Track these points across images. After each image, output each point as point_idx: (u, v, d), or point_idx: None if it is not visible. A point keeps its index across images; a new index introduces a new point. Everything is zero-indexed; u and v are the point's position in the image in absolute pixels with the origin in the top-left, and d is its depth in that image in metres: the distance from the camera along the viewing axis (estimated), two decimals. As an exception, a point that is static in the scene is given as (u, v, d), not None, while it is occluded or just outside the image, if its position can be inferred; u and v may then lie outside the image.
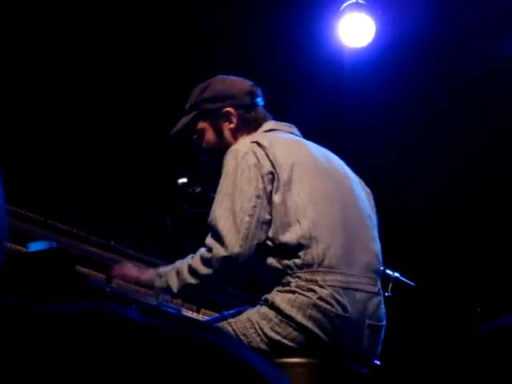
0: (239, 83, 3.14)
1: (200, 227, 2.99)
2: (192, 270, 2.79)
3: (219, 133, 3.07)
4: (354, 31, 4.96)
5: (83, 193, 4.18)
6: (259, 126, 3.08)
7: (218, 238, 2.73)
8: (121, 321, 0.67)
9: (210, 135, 3.09)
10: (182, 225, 4.04)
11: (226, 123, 3.07)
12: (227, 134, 3.06)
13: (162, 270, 2.94)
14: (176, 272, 2.84)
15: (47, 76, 4.78)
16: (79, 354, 0.65)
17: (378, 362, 3.12)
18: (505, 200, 5.28)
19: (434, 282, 5.10)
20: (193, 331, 0.67)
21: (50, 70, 4.78)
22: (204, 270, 2.75)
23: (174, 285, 2.83)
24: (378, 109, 5.24)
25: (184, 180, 3.46)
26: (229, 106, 3.06)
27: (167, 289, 2.87)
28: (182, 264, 2.84)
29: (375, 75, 5.14)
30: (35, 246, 3.05)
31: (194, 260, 2.80)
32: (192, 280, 2.79)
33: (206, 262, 2.75)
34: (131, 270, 3.08)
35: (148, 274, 2.98)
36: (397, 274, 3.56)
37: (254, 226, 2.73)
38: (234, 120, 3.06)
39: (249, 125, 3.07)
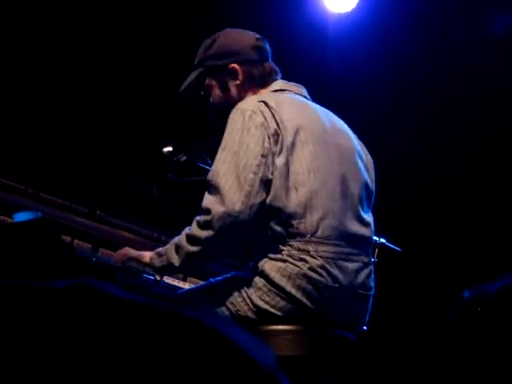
0: (245, 38, 3.08)
1: (186, 196, 2.98)
2: (191, 238, 2.73)
3: (225, 89, 3.02)
4: (338, -4, 4.94)
5: (68, 162, 4.16)
6: (266, 81, 3.02)
7: (219, 196, 2.67)
8: (105, 297, 0.67)
9: (216, 92, 3.04)
10: (167, 194, 4.03)
11: (232, 80, 3.01)
12: (233, 91, 3.01)
13: (160, 249, 2.88)
14: (175, 246, 2.78)
15: (37, 49, 4.75)
16: (64, 330, 0.65)
17: (365, 328, 3.14)
18: (492, 168, 5.29)
19: (421, 246, 5.13)
20: (176, 308, 0.67)
21: (34, 37, 4.74)
22: (204, 233, 2.69)
23: (175, 260, 2.77)
24: (363, 75, 5.22)
25: (169, 148, 3.45)
26: (234, 62, 3.00)
27: (169, 266, 2.81)
28: (180, 237, 2.79)
29: (359, 41, 5.12)
30: (20, 217, 3.04)
31: (192, 228, 2.74)
32: (193, 248, 2.73)
33: (204, 224, 2.69)
34: (130, 251, 3.05)
35: (147, 255, 2.92)
36: (383, 240, 3.57)
37: (257, 184, 2.68)
38: (240, 76, 3.00)
39: (255, 81, 3.01)
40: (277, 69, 3.09)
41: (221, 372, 0.65)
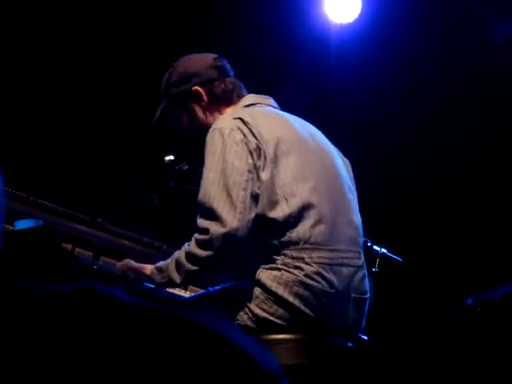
0: (201, 59, 3.09)
1: (187, 204, 2.98)
2: (191, 257, 2.73)
3: (193, 114, 3.02)
4: (340, 7, 4.95)
5: (70, 170, 4.17)
6: (231, 97, 3.03)
7: (214, 217, 2.68)
8: (108, 301, 0.68)
9: (185, 118, 3.05)
10: (169, 202, 4.03)
11: (197, 102, 3.02)
12: (201, 113, 3.02)
13: (162, 264, 2.87)
14: (175, 263, 2.78)
15: (36, 55, 4.75)
16: (67, 333, 0.65)
17: (366, 337, 3.14)
18: (492, 175, 5.29)
19: (422, 257, 5.12)
20: (179, 312, 0.68)
21: (34, 43, 4.75)
22: (203, 253, 2.69)
23: (176, 277, 2.77)
24: (365, 84, 5.23)
25: (171, 157, 3.45)
26: (195, 85, 3.01)
27: (170, 282, 2.83)
28: (180, 254, 2.78)
29: (361, 51, 5.12)
30: (22, 224, 3.04)
31: (191, 246, 2.73)
32: (193, 267, 2.73)
33: (203, 244, 2.69)
34: (132, 263, 3.05)
35: (148, 269, 2.92)
36: (384, 250, 3.57)
37: (249, 200, 2.69)
38: (204, 97, 3.01)
39: (220, 99, 3.02)
40: (240, 83, 3.10)
41: (225, 376, 0.65)
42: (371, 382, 4.78)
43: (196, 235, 2.73)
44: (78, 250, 3.27)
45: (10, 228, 3.07)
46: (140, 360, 0.64)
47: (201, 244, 2.70)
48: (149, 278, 2.91)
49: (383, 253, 3.56)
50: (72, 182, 3.96)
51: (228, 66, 3.11)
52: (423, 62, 5.22)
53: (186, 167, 3.35)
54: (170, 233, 3.70)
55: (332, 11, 4.97)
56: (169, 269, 2.81)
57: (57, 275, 2.78)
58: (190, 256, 2.73)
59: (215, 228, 2.67)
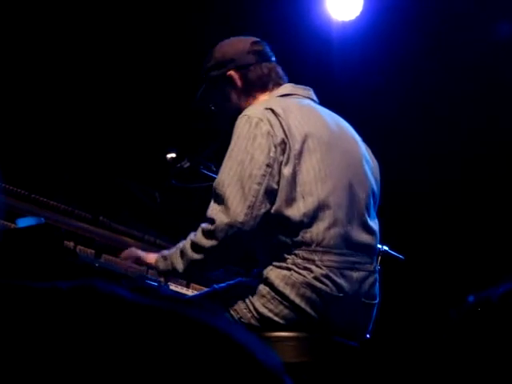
0: (239, 43, 3.07)
1: (189, 202, 2.98)
2: (195, 246, 2.72)
3: (227, 98, 3.02)
4: (342, 5, 4.94)
5: (71, 168, 4.17)
6: (267, 83, 3.00)
7: (223, 206, 2.67)
8: (111, 298, 0.68)
9: (221, 102, 3.06)
10: (170, 200, 4.03)
11: (232, 87, 3.01)
12: (235, 98, 3.01)
13: (166, 252, 2.87)
14: (180, 252, 2.77)
15: (37, 53, 4.75)
16: (70, 330, 0.65)
17: (368, 336, 3.14)
18: (495, 172, 5.29)
19: (423, 255, 5.12)
20: (182, 309, 0.68)
21: (37, 46, 4.75)
22: (208, 242, 2.68)
23: (179, 265, 2.77)
24: (367, 82, 5.23)
25: (173, 155, 3.45)
26: (231, 70, 3.01)
27: (173, 271, 2.81)
28: (185, 243, 2.78)
29: (363, 49, 5.12)
30: (24, 222, 3.04)
31: (197, 236, 2.73)
32: (197, 256, 2.72)
33: (209, 234, 2.68)
34: (137, 251, 3.04)
35: (153, 257, 2.92)
36: (386, 248, 3.56)
37: (261, 195, 2.66)
38: (238, 82, 3.00)
39: (254, 84, 3.00)
40: (279, 68, 3.07)
41: (227, 373, 0.65)
42: (373, 380, 4.78)
43: (202, 224, 2.73)
44: (79, 247, 3.27)
45: (12, 226, 3.07)
46: (142, 357, 0.64)
47: (206, 233, 2.69)
48: (152, 267, 2.92)
49: (385, 250, 3.55)
50: (74, 179, 3.96)
51: (267, 50, 3.08)
52: (424, 60, 5.22)
53: (188, 165, 3.35)
54: (171, 230, 3.69)
55: (334, 9, 4.97)
56: (172, 257, 2.80)
57: (59, 273, 2.78)
58: (194, 245, 2.73)
59: (221, 218, 2.66)
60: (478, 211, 5.32)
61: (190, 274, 3.02)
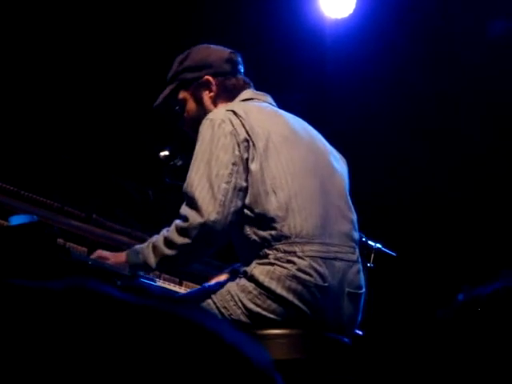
0: (218, 51, 3.14)
1: (182, 200, 2.98)
2: (168, 242, 2.76)
3: (200, 102, 3.07)
4: (335, 2, 4.95)
5: (64, 166, 4.16)
6: (237, 93, 3.07)
7: (194, 206, 2.71)
8: (102, 298, 0.68)
9: (191, 105, 3.09)
10: (163, 198, 4.03)
11: (206, 92, 3.07)
12: (207, 103, 3.06)
13: (138, 246, 2.90)
14: (152, 247, 2.81)
15: (31, 48, 4.75)
16: (61, 330, 0.65)
17: (360, 332, 3.14)
18: (488, 169, 5.30)
19: (416, 251, 5.13)
20: (173, 309, 0.68)
21: (32, 43, 4.75)
22: (180, 239, 2.72)
23: (151, 260, 2.80)
24: (361, 80, 5.23)
25: (166, 153, 3.45)
26: (208, 75, 3.06)
27: (144, 265, 2.83)
28: (158, 238, 2.81)
29: (357, 46, 5.13)
30: (16, 220, 3.04)
31: (170, 232, 2.77)
32: (169, 252, 2.76)
33: (182, 231, 2.72)
34: (103, 253, 3.03)
35: (121, 255, 2.92)
36: (378, 245, 3.57)
37: (230, 193, 2.71)
38: (214, 88, 3.06)
39: (229, 92, 3.07)
40: (249, 82, 3.15)
41: (217, 371, 0.65)
42: (365, 376, 4.79)
43: (176, 221, 2.77)
44: (72, 245, 3.27)
45: (5, 223, 3.07)
46: (133, 357, 0.64)
47: (179, 231, 2.74)
48: (124, 264, 2.91)
49: (378, 248, 3.56)
50: (67, 177, 3.96)
51: (241, 63, 3.16)
52: (418, 57, 5.22)
53: (181, 162, 3.36)
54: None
55: (327, 6, 4.97)
56: (144, 251, 2.83)
57: (51, 271, 2.78)
58: (167, 241, 2.77)
59: (194, 217, 2.70)
60: (470, 208, 5.33)
61: (161, 269, 3.05)
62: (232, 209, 2.72)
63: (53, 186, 3.69)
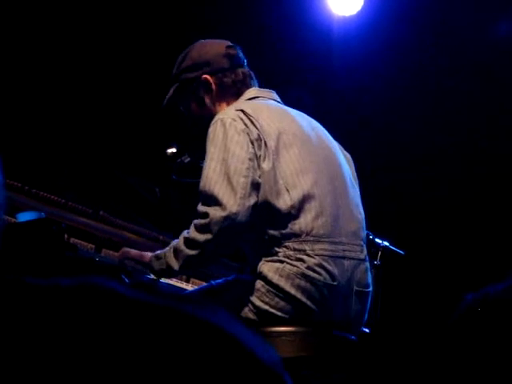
0: (215, 47, 3.08)
1: (189, 197, 2.98)
2: (189, 242, 2.73)
3: (201, 102, 3.03)
4: (343, -1, 4.94)
5: (72, 163, 4.17)
6: (240, 89, 3.04)
7: (214, 203, 2.68)
8: (111, 296, 0.68)
9: (193, 105, 3.06)
10: (170, 195, 4.03)
11: (206, 91, 3.02)
12: (209, 102, 3.03)
13: (159, 251, 2.87)
14: (173, 250, 2.78)
15: (37, 42, 4.75)
16: (70, 328, 0.65)
17: (367, 330, 3.14)
18: (495, 168, 5.29)
19: (423, 249, 5.12)
20: (181, 306, 0.68)
21: (37, 33, 4.75)
22: (203, 237, 2.69)
23: (174, 263, 2.77)
24: (368, 76, 5.23)
25: (173, 150, 3.45)
26: (206, 73, 3.02)
27: (168, 270, 2.81)
28: (178, 241, 2.79)
29: (365, 43, 5.12)
30: (24, 217, 3.04)
31: (190, 232, 2.74)
32: (192, 252, 2.72)
33: (202, 228, 2.69)
34: (130, 250, 3.04)
35: (147, 256, 2.91)
36: (386, 243, 3.57)
37: (249, 187, 2.69)
38: (213, 87, 3.01)
39: (229, 89, 3.03)
40: (251, 74, 3.10)
41: (225, 369, 0.65)
42: (372, 374, 4.78)
43: (195, 221, 2.74)
44: (79, 242, 3.27)
45: (12, 220, 3.07)
46: (142, 355, 0.64)
47: (200, 228, 2.71)
48: (147, 266, 2.91)
49: (385, 246, 3.56)
50: (74, 174, 3.96)
51: (241, 55, 3.10)
52: (425, 55, 5.21)
53: (188, 160, 3.35)
54: (171, 225, 3.70)
55: (335, 4, 4.96)
56: (166, 256, 2.81)
57: (59, 267, 2.79)
58: (188, 241, 2.74)
59: (214, 212, 2.67)
60: (480, 206, 5.31)
61: (185, 272, 3.03)
62: (252, 202, 2.70)
63: (60, 182, 3.69)
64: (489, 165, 5.28)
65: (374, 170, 3.15)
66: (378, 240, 3.58)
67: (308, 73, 4.91)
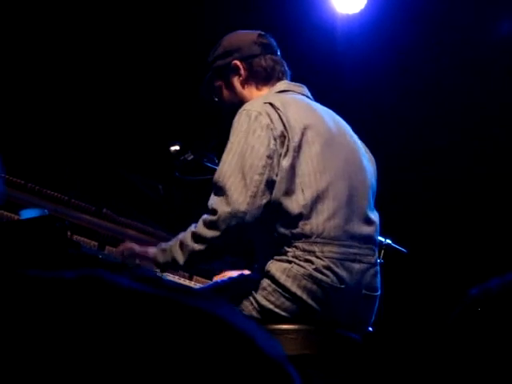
0: (246, 34, 3.14)
1: (192, 195, 2.98)
2: (197, 237, 2.73)
3: (232, 87, 3.07)
4: (347, -3, 4.94)
5: (75, 160, 4.17)
6: (270, 76, 3.05)
7: (224, 196, 2.68)
8: (115, 287, 0.68)
9: (224, 91, 3.10)
10: (174, 192, 4.03)
11: (236, 76, 3.06)
12: (239, 87, 3.05)
13: (164, 244, 2.87)
14: (179, 243, 2.77)
15: (39, 40, 4.75)
16: (74, 320, 0.65)
17: (370, 329, 3.14)
18: (500, 167, 5.28)
19: (426, 247, 5.12)
20: (184, 298, 0.68)
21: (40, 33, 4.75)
22: (209, 233, 2.69)
23: (180, 257, 2.77)
24: (372, 75, 5.22)
25: (176, 147, 3.45)
26: (236, 59, 3.05)
27: (173, 263, 2.81)
28: (185, 234, 2.78)
29: (368, 41, 5.11)
30: (27, 214, 3.04)
31: (198, 227, 2.74)
32: (198, 246, 2.72)
33: (210, 224, 2.69)
34: (134, 246, 3.04)
35: (151, 251, 2.91)
36: (389, 241, 3.56)
37: (263, 186, 2.68)
38: (242, 71, 3.04)
39: (259, 74, 3.05)
40: (283, 62, 3.12)
41: (230, 362, 0.65)
42: (375, 373, 4.78)
43: (204, 216, 2.74)
44: (82, 239, 3.27)
45: (16, 217, 3.07)
46: (147, 347, 0.64)
47: (208, 224, 2.70)
48: (152, 261, 2.90)
49: (388, 244, 3.55)
50: (77, 172, 3.96)
51: (273, 44, 3.13)
52: (429, 53, 5.21)
53: (191, 157, 3.35)
54: (174, 223, 3.69)
55: (338, 2, 4.96)
56: (172, 249, 2.80)
57: (62, 264, 2.79)
58: (195, 236, 2.73)
59: (223, 208, 2.67)
60: (483, 203, 5.31)
61: (190, 266, 3.02)
62: (264, 201, 2.69)
63: (63, 180, 3.69)
64: (489, 165, 5.27)
65: (379, 166, 3.15)
66: (380, 238, 3.57)
67: (311, 71, 4.91)
